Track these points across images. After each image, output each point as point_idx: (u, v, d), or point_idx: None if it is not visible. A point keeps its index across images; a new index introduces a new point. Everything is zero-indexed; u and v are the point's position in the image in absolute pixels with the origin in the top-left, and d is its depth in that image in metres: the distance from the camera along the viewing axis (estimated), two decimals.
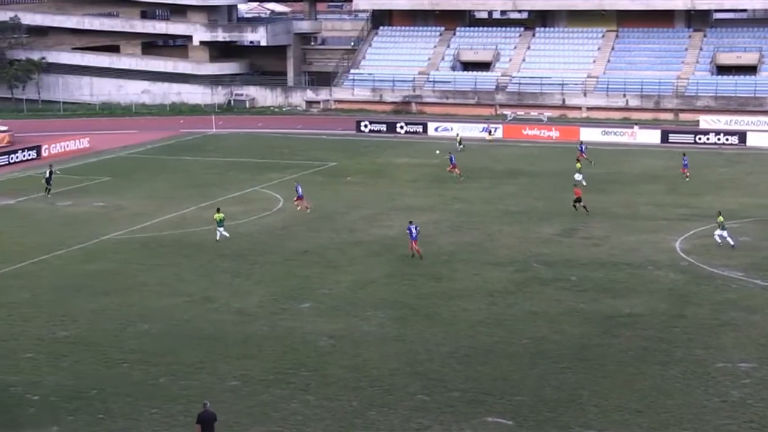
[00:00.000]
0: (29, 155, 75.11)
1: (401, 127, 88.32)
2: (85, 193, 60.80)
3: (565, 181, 63.88)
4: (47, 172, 60.46)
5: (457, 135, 77.90)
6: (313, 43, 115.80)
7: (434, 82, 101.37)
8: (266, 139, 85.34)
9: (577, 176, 61.70)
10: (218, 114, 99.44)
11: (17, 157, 73.61)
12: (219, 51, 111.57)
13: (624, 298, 38.55)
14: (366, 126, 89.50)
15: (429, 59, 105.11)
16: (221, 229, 47.94)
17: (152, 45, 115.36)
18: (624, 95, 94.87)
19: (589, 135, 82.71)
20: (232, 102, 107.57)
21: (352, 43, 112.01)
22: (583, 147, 70.59)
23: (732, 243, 45.32)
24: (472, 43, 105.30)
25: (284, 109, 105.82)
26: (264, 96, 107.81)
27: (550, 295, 39.11)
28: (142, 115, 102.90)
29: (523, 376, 30.84)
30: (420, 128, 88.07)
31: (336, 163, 71.99)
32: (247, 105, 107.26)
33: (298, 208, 54.56)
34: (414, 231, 44.50)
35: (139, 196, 59.64)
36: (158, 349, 33.09)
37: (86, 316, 36.62)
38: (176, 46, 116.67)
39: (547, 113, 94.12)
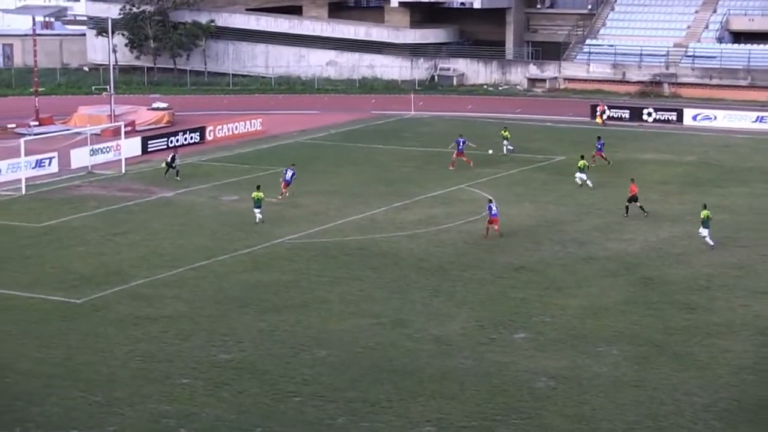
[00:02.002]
0: (192, 138, 77.95)
1: (649, 114, 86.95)
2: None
3: None
4: (170, 157, 65.07)
5: (505, 129, 75.52)
6: (539, 6, 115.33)
7: (694, 57, 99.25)
8: (477, 125, 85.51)
9: (580, 175, 61.01)
10: (418, 92, 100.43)
11: (178, 141, 76.51)
12: (422, 14, 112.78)
13: None
14: (603, 112, 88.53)
15: (688, 28, 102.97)
16: (258, 210, 52.68)
17: (341, 6, 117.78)
18: None
19: None
20: (436, 78, 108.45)
21: (590, 7, 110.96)
22: (602, 144, 67.95)
23: (711, 244, 48.27)
24: (746, 8, 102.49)
25: (500, 88, 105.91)
26: (476, 71, 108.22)
27: None
28: (325, 92, 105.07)
29: None
30: (673, 116, 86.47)
31: (564, 157, 71.44)
32: (455, 82, 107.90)
33: (279, 197, 58.27)
34: (494, 208, 50.14)
35: (320, 191, 60.86)
36: (337, 381, 33.64)
37: (252, 336, 37.62)
38: (370, 7, 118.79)
39: None
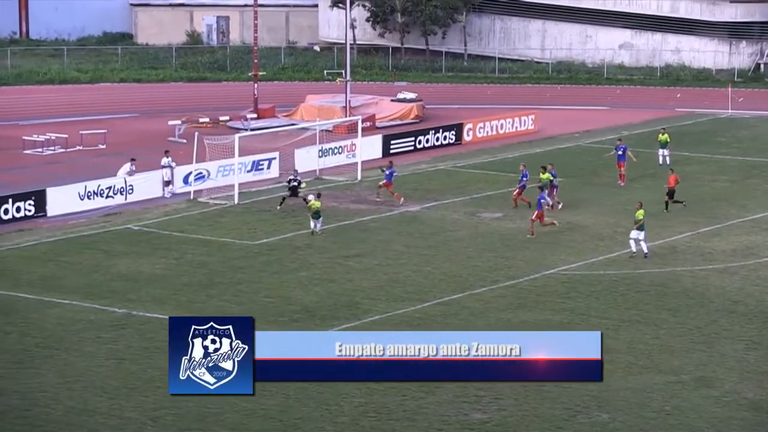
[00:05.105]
0: (446, 138, 78.58)
1: None
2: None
3: None
4: (290, 180, 62.06)
5: (663, 131, 73.28)
6: None
7: None
8: None
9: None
10: (738, 86, 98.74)
11: (428, 141, 77.24)
12: None
13: None
14: None
15: None
16: (318, 221, 55.46)
17: None
18: None
19: None
20: (761, 67, 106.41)
21: None
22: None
23: (645, 252, 51.74)
24: None
25: None
26: None
27: None
28: (617, 82, 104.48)
29: None
30: None
31: None
32: None
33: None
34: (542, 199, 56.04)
35: (605, 210, 60.52)
36: None
37: (515, 392, 37.44)
38: None
39: None
